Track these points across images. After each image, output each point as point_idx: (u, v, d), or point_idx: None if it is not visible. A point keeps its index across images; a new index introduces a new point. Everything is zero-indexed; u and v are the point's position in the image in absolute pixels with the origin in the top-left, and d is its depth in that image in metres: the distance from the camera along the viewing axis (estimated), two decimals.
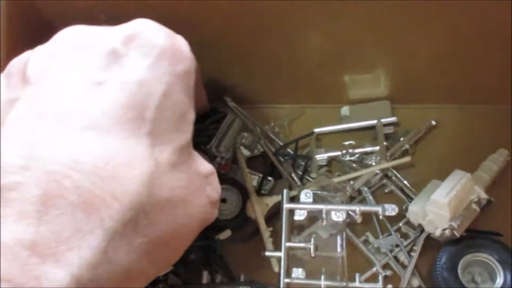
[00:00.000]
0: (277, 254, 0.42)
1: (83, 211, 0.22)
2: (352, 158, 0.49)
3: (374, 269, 0.45)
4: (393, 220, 0.46)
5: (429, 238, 0.44)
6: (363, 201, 0.48)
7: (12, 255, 0.20)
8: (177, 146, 0.27)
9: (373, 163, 0.48)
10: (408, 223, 0.46)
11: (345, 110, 0.52)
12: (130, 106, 0.25)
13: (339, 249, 0.43)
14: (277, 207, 0.44)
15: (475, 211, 0.43)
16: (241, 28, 0.42)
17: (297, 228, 0.44)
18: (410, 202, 0.46)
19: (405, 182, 0.48)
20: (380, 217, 0.43)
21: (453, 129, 0.51)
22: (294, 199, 0.44)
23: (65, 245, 0.21)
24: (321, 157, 0.49)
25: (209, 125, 0.42)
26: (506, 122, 0.50)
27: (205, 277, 0.44)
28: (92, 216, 0.22)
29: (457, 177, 0.43)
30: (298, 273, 0.42)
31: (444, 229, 0.42)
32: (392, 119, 0.50)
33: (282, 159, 0.49)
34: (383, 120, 0.50)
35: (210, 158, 0.41)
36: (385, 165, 0.48)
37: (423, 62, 0.46)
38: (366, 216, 0.46)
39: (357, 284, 0.42)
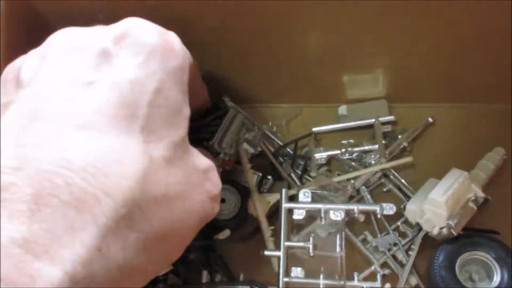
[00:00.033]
0: (276, 253, 0.42)
1: (76, 208, 0.22)
2: (351, 156, 0.50)
3: (372, 267, 0.45)
4: (391, 219, 0.46)
5: (426, 237, 0.44)
6: (361, 200, 0.48)
7: (4, 254, 0.20)
8: (172, 141, 0.27)
9: (373, 162, 0.49)
10: (406, 222, 0.46)
11: (342, 109, 0.52)
12: (121, 104, 0.25)
13: (338, 248, 0.43)
14: (278, 205, 0.44)
15: (472, 210, 0.43)
16: (239, 27, 0.42)
17: (296, 227, 0.45)
18: (407, 201, 0.46)
19: (403, 181, 0.48)
20: (378, 216, 0.43)
21: (449, 128, 0.51)
22: (293, 198, 0.45)
23: (58, 242, 0.21)
24: (320, 156, 0.49)
25: (211, 122, 0.41)
26: (503, 121, 0.50)
27: (205, 277, 0.44)
28: (85, 213, 0.22)
29: (454, 176, 0.43)
30: (297, 272, 0.42)
31: (441, 228, 0.42)
32: (390, 117, 0.51)
33: (281, 159, 0.49)
34: (381, 119, 0.51)
35: (213, 155, 0.41)
36: (387, 164, 0.48)
37: (420, 62, 0.47)
38: (364, 215, 0.46)
39: (355, 283, 0.42)
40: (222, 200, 0.47)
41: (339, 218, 0.42)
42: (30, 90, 0.26)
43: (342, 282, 0.42)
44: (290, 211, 0.43)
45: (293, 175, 0.48)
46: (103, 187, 0.23)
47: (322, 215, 0.42)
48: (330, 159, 0.50)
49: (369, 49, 0.45)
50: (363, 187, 0.48)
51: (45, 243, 0.21)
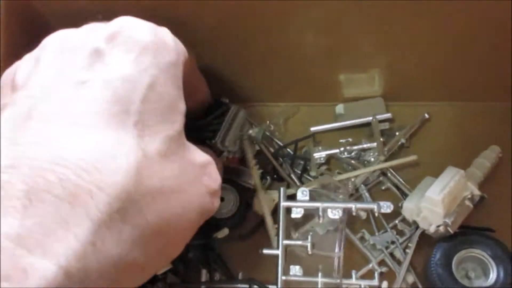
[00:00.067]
0: (274, 252, 0.42)
1: (69, 203, 0.22)
2: (350, 155, 0.50)
3: (370, 265, 0.45)
4: (389, 217, 0.46)
5: (423, 235, 0.44)
6: (360, 198, 0.48)
7: None
8: (168, 136, 0.27)
9: (372, 159, 0.49)
10: (404, 220, 0.46)
11: (339, 108, 0.52)
12: (114, 101, 0.25)
13: (337, 246, 0.43)
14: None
15: (468, 208, 0.44)
16: (236, 27, 0.42)
17: (294, 225, 0.45)
18: (405, 199, 0.46)
19: (400, 179, 0.49)
20: (376, 214, 0.43)
21: (445, 126, 0.51)
22: (293, 198, 0.45)
23: (52, 237, 0.22)
24: (319, 155, 0.50)
25: (212, 120, 0.41)
26: (498, 119, 0.51)
27: (204, 276, 0.45)
28: (79, 207, 0.22)
29: (450, 174, 0.44)
30: (295, 270, 0.42)
31: (438, 226, 0.42)
32: (387, 115, 0.51)
33: (281, 160, 0.49)
34: (378, 117, 0.51)
35: (216, 153, 0.40)
36: (392, 163, 0.48)
37: (416, 61, 0.47)
38: (366, 212, 0.47)
39: (353, 280, 0.43)
40: (221, 199, 0.47)
41: (336, 217, 0.42)
42: (24, 91, 0.27)
43: (339, 281, 0.42)
44: (288, 210, 0.43)
45: (292, 176, 0.48)
46: (97, 181, 0.23)
47: (320, 213, 0.43)
48: (329, 158, 0.50)
49: (365, 48, 0.46)
50: (362, 185, 0.48)
51: (39, 238, 0.21)
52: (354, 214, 0.43)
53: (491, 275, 0.42)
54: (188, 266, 0.45)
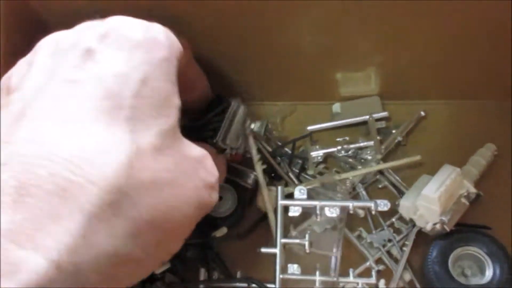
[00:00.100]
0: (272, 250, 0.42)
1: (60, 197, 0.22)
2: (347, 153, 0.50)
3: (368, 263, 0.46)
4: (386, 215, 0.47)
5: (420, 233, 0.45)
6: (357, 197, 0.49)
7: None
8: (161, 130, 0.27)
9: (369, 157, 0.49)
10: (400, 218, 0.47)
11: (336, 107, 0.53)
12: (106, 97, 0.26)
13: (335, 245, 0.44)
14: None
15: (464, 205, 0.44)
16: (233, 26, 0.42)
17: (293, 223, 0.45)
18: (402, 197, 0.46)
19: (397, 177, 0.49)
20: (373, 212, 0.43)
21: (441, 125, 0.52)
22: (291, 196, 0.44)
23: (43, 231, 0.22)
24: (317, 154, 0.50)
25: (213, 118, 0.40)
26: (494, 117, 0.51)
27: (202, 275, 0.45)
28: (69, 202, 0.22)
29: (446, 172, 0.44)
30: (293, 269, 0.43)
31: (434, 224, 0.43)
32: (384, 114, 0.51)
33: (279, 159, 0.50)
34: (375, 115, 0.51)
35: (219, 151, 0.40)
36: (394, 163, 0.49)
37: (412, 60, 0.47)
38: (364, 210, 0.47)
39: (351, 279, 0.43)
40: (219, 198, 0.47)
41: (334, 215, 0.43)
42: (18, 93, 0.27)
43: (336, 279, 0.43)
44: (286, 208, 0.43)
45: (290, 174, 0.49)
46: (88, 175, 0.23)
47: (318, 211, 0.43)
48: (326, 157, 0.51)
49: (362, 47, 0.46)
50: (359, 183, 0.49)
51: (29, 233, 0.21)
52: (351, 212, 0.43)
53: (487, 273, 0.43)
54: (187, 265, 0.45)
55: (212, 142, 0.38)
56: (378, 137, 0.50)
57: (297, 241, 0.42)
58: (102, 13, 0.35)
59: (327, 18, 0.41)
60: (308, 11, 0.41)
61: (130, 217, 0.24)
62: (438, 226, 0.43)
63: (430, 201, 0.42)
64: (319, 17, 0.41)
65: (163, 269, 0.43)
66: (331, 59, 0.47)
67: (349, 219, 0.47)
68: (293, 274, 0.43)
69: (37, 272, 0.21)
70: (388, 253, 0.46)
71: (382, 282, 0.44)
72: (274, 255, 0.42)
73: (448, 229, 0.43)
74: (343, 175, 0.48)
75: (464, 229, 0.45)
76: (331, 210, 0.43)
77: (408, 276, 0.45)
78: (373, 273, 0.44)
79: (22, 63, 0.30)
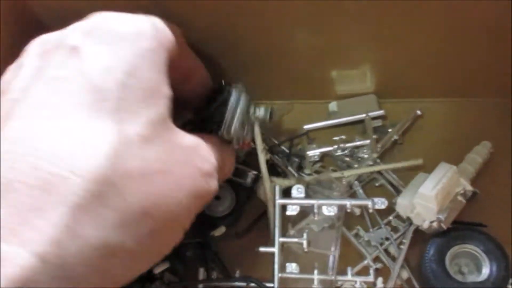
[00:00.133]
0: (271, 249, 0.42)
1: (43, 191, 0.23)
2: (344, 152, 0.50)
3: (365, 262, 0.46)
4: (383, 213, 0.47)
5: (417, 231, 0.45)
6: (354, 195, 0.49)
7: None
8: (150, 119, 0.27)
9: (365, 156, 0.50)
10: (398, 216, 0.47)
11: (333, 105, 0.53)
12: (90, 91, 0.26)
13: (333, 245, 0.44)
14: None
15: (461, 203, 0.44)
16: (229, 26, 0.42)
17: (291, 222, 0.45)
18: (398, 195, 0.47)
19: (394, 176, 0.49)
20: (370, 210, 0.43)
21: (437, 123, 0.52)
22: (290, 189, 0.45)
23: (26, 225, 0.22)
24: (314, 153, 0.50)
25: (216, 109, 0.38)
26: (489, 115, 0.51)
27: (202, 274, 0.45)
28: (53, 194, 0.23)
29: (443, 170, 0.44)
30: (292, 268, 0.43)
31: (431, 222, 0.43)
32: (380, 112, 0.52)
33: (276, 157, 0.50)
34: (371, 114, 0.51)
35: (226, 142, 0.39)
36: (395, 165, 0.49)
37: (408, 58, 0.47)
38: (360, 209, 0.47)
39: (349, 277, 0.43)
40: (217, 198, 0.47)
41: (332, 213, 0.43)
42: (6, 95, 0.27)
43: (334, 278, 0.43)
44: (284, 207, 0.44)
45: (290, 168, 0.49)
46: (72, 168, 0.23)
47: (316, 210, 0.43)
48: (323, 156, 0.51)
49: (357, 45, 0.46)
50: (356, 182, 0.49)
51: (13, 227, 0.22)
52: (349, 210, 0.43)
53: (484, 270, 0.43)
54: (186, 264, 0.45)
55: (217, 135, 0.37)
56: (375, 136, 0.50)
57: (295, 240, 0.43)
58: None
59: (319, 16, 0.41)
60: (303, 9, 0.40)
61: (118, 206, 0.24)
62: (435, 224, 0.43)
63: (427, 199, 0.43)
64: (313, 15, 0.41)
65: (162, 268, 0.43)
66: (326, 57, 0.47)
67: (347, 218, 0.47)
68: (291, 273, 0.43)
69: (21, 266, 0.21)
70: (386, 251, 0.46)
71: (380, 280, 0.45)
72: (273, 254, 0.42)
73: (445, 227, 0.43)
74: (346, 173, 0.48)
75: (461, 227, 0.45)
76: (329, 208, 0.43)
77: (405, 274, 0.45)
78: (371, 271, 0.44)
79: (13, 67, 0.30)
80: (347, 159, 0.50)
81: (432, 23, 0.42)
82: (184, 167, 0.29)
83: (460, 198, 0.44)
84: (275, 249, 0.42)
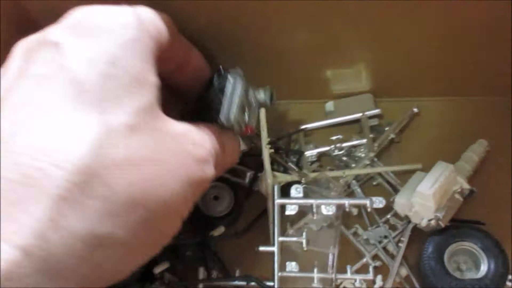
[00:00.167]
0: (270, 248, 0.43)
1: (25, 185, 0.23)
2: (341, 152, 0.51)
3: (364, 260, 0.46)
4: (381, 212, 0.47)
5: (415, 229, 0.45)
6: (352, 194, 0.49)
7: None
8: (136, 108, 0.27)
9: (362, 155, 0.50)
10: (395, 214, 0.47)
11: (329, 105, 0.53)
12: (70, 84, 0.26)
13: (331, 242, 0.44)
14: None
15: (458, 201, 0.45)
16: (224, 25, 0.42)
17: (289, 221, 0.45)
18: (396, 194, 0.47)
19: (391, 174, 0.49)
20: (369, 209, 0.44)
21: (434, 121, 0.52)
22: (291, 185, 0.45)
23: (8, 220, 0.22)
24: (311, 153, 0.50)
25: (213, 97, 0.37)
26: (485, 113, 0.52)
27: (201, 274, 0.45)
28: (35, 188, 0.23)
29: (440, 169, 0.45)
30: (291, 266, 0.43)
31: (429, 220, 0.43)
32: (376, 111, 0.52)
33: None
34: (368, 113, 0.52)
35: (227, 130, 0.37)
36: (394, 167, 0.49)
37: (403, 57, 0.47)
38: (357, 208, 0.48)
39: (348, 275, 0.44)
40: (216, 198, 0.47)
41: (330, 213, 0.43)
42: None
43: (333, 276, 0.43)
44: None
45: (290, 164, 0.49)
46: (53, 161, 0.23)
47: (314, 210, 0.43)
48: (320, 155, 0.51)
49: (350, 43, 0.46)
50: (354, 181, 0.49)
51: None
52: (347, 210, 0.43)
53: (482, 267, 0.43)
54: (186, 264, 0.45)
55: (217, 123, 0.36)
56: (371, 135, 0.51)
57: (295, 239, 0.43)
58: None
59: (318, 16, 0.41)
60: (298, 9, 0.41)
61: (103, 196, 0.24)
62: (433, 222, 0.43)
63: (425, 198, 0.43)
64: (308, 15, 0.41)
65: (162, 268, 0.43)
66: (322, 56, 0.47)
67: (345, 217, 0.47)
68: (291, 271, 0.43)
69: (5, 260, 0.21)
70: (384, 249, 0.47)
71: (379, 278, 0.45)
72: (272, 253, 0.43)
73: (443, 225, 0.43)
74: (347, 172, 0.48)
75: (458, 224, 0.45)
76: (328, 208, 0.43)
77: (404, 272, 0.45)
78: (370, 269, 0.44)
79: (1, 70, 0.30)
80: (345, 158, 0.50)
81: (428, 23, 0.42)
82: (175, 154, 0.29)
83: (457, 196, 0.45)
84: (274, 248, 0.42)
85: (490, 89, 0.51)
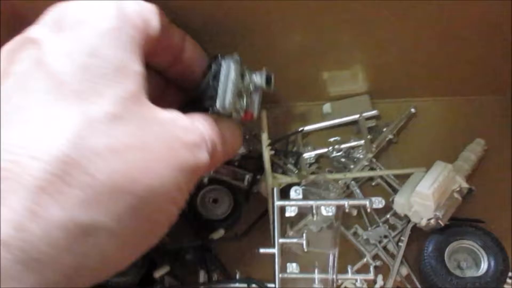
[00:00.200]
0: (271, 250, 0.42)
1: (2, 179, 0.23)
2: (339, 153, 0.51)
3: (365, 260, 0.46)
4: (381, 212, 0.47)
5: (415, 228, 0.46)
6: (351, 195, 0.49)
7: None
8: (117, 97, 0.27)
9: (360, 156, 0.50)
10: (395, 214, 0.47)
11: (327, 107, 0.53)
12: (50, 78, 0.26)
13: (332, 243, 0.44)
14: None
15: (457, 200, 0.45)
16: (220, 28, 0.42)
17: (289, 223, 0.45)
18: (395, 194, 0.47)
19: (390, 175, 0.49)
20: (368, 210, 0.44)
21: (431, 122, 0.52)
22: (290, 187, 0.45)
23: None
24: (309, 155, 0.51)
25: (207, 85, 0.35)
26: (482, 113, 0.52)
27: (202, 277, 0.45)
28: (12, 181, 0.23)
29: (439, 168, 0.45)
30: (292, 268, 0.43)
31: (429, 219, 0.44)
32: (374, 112, 0.52)
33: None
34: (365, 114, 0.52)
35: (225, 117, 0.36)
36: (397, 171, 0.49)
37: (399, 58, 0.47)
38: (356, 209, 0.48)
39: (349, 275, 0.44)
40: (215, 201, 0.47)
41: (330, 214, 0.43)
42: None
43: (334, 276, 0.43)
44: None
45: (289, 165, 0.49)
46: (31, 153, 0.23)
47: (314, 211, 0.43)
48: (319, 157, 0.51)
49: (346, 45, 0.46)
50: (353, 182, 0.49)
51: None
52: (347, 211, 0.43)
53: (482, 265, 0.44)
54: (186, 268, 0.45)
55: (213, 112, 0.35)
56: (369, 136, 0.51)
57: (295, 240, 0.43)
58: None
59: (314, 18, 0.42)
60: (294, 12, 0.41)
61: (84, 184, 0.24)
62: (432, 222, 0.43)
63: (424, 197, 0.43)
64: (306, 17, 0.41)
65: (162, 272, 0.43)
66: (317, 59, 0.47)
67: (345, 217, 0.47)
68: (292, 273, 0.43)
69: None
70: (385, 249, 0.47)
71: (380, 278, 0.45)
72: (273, 255, 0.42)
73: (442, 224, 0.43)
74: (348, 174, 0.48)
75: (458, 223, 0.46)
76: (327, 209, 0.43)
77: (405, 271, 0.46)
78: (371, 269, 0.44)
79: None
80: (343, 160, 0.51)
81: (423, 23, 0.42)
82: (163, 140, 0.28)
83: (456, 195, 0.45)
84: (275, 250, 0.42)
85: (487, 88, 0.51)
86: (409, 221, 0.46)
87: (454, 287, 0.42)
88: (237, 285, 0.44)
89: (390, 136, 0.51)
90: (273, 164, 0.48)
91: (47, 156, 0.23)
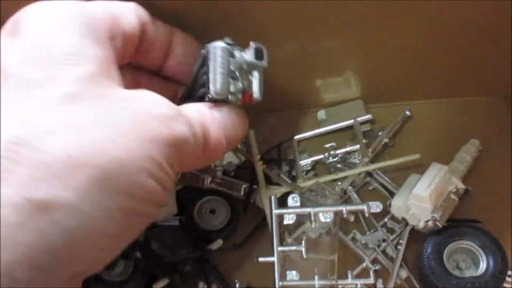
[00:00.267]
0: (270, 259, 0.42)
1: None
2: (335, 159, 0.51)
3: (364, 264, 0.46)
4: (378, 216, 0.47)
5: (413, 231, 0.45)
6: (348, 200, 0.49)
7: None
8: (73, 78, 0.27)
9: (357, 161, 0.50)
10: (393, 218, 0.47)
11: (321, 114, 0.53)
12: (2, 75, 0.27)
13: (331, 249, 0.44)
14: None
15: (454, 201, 0.45)
16: (215, 34, 0.43)
17: (287, 230, 0.45)
18: (392, 197, 0.47)
19: (386, 178, 0.50)
20: (366, 214, 0.44)
21: (426, 124, 0.53)
22: (288, 194, 0.45)
23: None
24: (306, 162, 0.51)
25: (198, 74, 0.35)
26: (476, 113, 0.52)
27: None
28: None
29: (435, 170, 0.45)
30: (292, 275, 0.43)
31: (427, 221, 0.44)
32: (368, 116, 0.52)
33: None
34: (359, 119, 0.52)
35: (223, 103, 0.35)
36: (392, 162, 0.49)
37: (390, 62, 0.48)
38: (353, 214, 0.47)
39: (349, 280, 0.44)
40: (212, 211, 0.47)
41: (328, 220, 0.43)
42: None
43: (334, 282, 0.43)
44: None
45: (282, 176, 0.49)
46: None
47: (312, 218, 0.43)
48: (315, 164, 0.51)
49: (337, 52, 0.46)
50: (350, 187, 0.49)
51: None
52: (345, 216, 0.43)
53: (481, 265, 0.44)
54: (185, 279, 0.45)
55: (209, 99, 0.34)
56: (364, 141, 0.51)
57: (294, 248, 0.43)
58: None
59: (302, 26, 0.42)
60: (284, 21, 0.41)
61: (37, 160, 0.24)
62: (430, 223, 0.44)
63: (421, 199, 0.43)
64: (295, 25, 0.42)
65: (161, 285, 0.43)
66: (309, 66, 0.48)
67: (343, 222, 0.47)
68: (292, 280, 0.43)
69: None
70: (383, 252, 0.47)
71: (380, 281, 0.45)
72: (272, 263, 0.42)
73: (440, 226, 0.44)
74: (341, 174, 0.49)
75: (456, 224, 0.46)
76: (325, 215, 0.43)
77: (404, 273, 0.45)
78: (371, 273, 0.44)
79: None
80: (339, 165, 0.51)
81: (415, 25, 0.42)
82: (126, 113, 0.28)
83: (453, 196, 0.45)
84: (274, 258, 0.42)
85: (481, 89, 0.51)
86: (407, 224, 0.46)
87: (454, 287, 0.42)
88: None
89: (386, 140, 0.51)
90: (266, 176, 0.48)
91: None
